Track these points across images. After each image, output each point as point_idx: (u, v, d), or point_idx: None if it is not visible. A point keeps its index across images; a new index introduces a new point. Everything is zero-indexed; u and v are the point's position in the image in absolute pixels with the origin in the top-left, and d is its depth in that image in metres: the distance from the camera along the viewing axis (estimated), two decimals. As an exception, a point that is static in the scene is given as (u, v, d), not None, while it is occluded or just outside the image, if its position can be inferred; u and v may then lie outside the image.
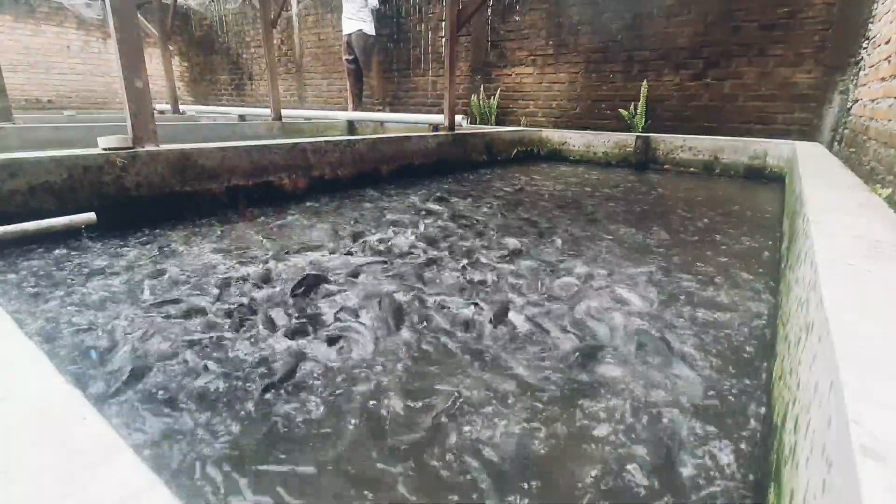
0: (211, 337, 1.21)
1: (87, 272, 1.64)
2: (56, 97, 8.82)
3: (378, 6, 6.01)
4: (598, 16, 5.47)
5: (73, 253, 1.84)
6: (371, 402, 0.96)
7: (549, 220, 2.57)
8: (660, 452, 0.84)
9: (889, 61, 2.67)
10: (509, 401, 0.98)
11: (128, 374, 1.03)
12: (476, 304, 1.42)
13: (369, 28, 5.98)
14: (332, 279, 1.60)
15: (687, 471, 0.80)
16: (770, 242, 2.23)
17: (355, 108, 6.60)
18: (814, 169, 2.55)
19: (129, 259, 1.79)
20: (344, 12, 6.01)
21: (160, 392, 0.98)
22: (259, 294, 1.48)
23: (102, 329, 1.24)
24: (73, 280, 1.57)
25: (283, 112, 5.42)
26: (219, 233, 2.20)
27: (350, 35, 6.00)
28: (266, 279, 1.61)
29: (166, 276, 1.62)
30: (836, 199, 1.72)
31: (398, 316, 1.34)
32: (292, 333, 1.23)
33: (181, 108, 6.86)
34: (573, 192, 3.50)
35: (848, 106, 4.02)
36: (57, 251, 1.84)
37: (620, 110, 5.42)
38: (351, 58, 6.20)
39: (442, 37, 6.76)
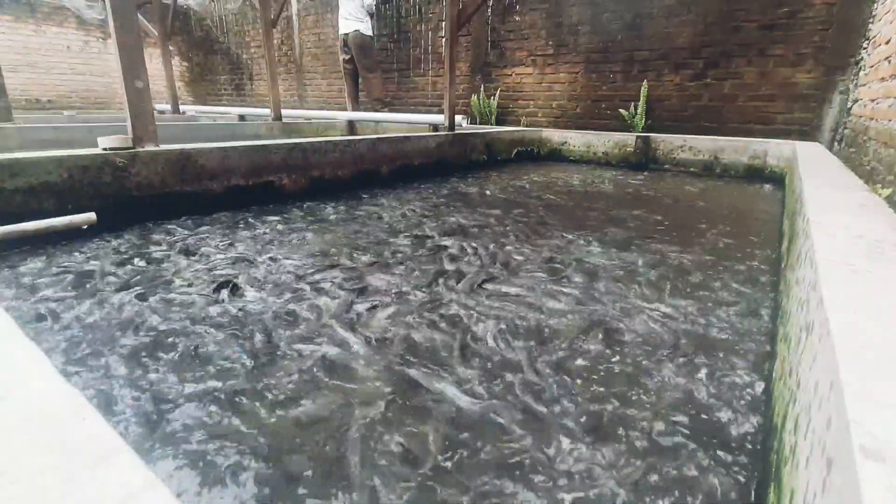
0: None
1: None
2: (56, 97, 8.82)
3: (373, 10, 5.98)
4: (598, 16, 5.47)
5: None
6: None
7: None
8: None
9: (889, 61, 2.67)
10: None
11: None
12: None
13: (366, 28, 5.95)
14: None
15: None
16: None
17: (353, 110, 6.59)
18: (814, 169, 2.55)
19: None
20: (340, 12, 5.98)
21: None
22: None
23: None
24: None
25: (283, 112, 5.42)
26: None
27: (346, 35, 5.98)
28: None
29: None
30: (837, 199, 1.72)
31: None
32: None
33: (181, 108, 6.86)
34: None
35: (848, 106, 4.02)
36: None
37: (620, 110, 5.42)
38: (347, 58, 6.18)
39: (442, 37, 6.76)
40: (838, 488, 0.44)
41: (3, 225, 1.78)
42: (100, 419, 0.48)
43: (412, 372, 1.08)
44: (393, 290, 1.54)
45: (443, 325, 1.32)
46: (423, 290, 1.56)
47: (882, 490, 0.39)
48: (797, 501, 0.56)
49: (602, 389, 1.03)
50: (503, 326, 1.30)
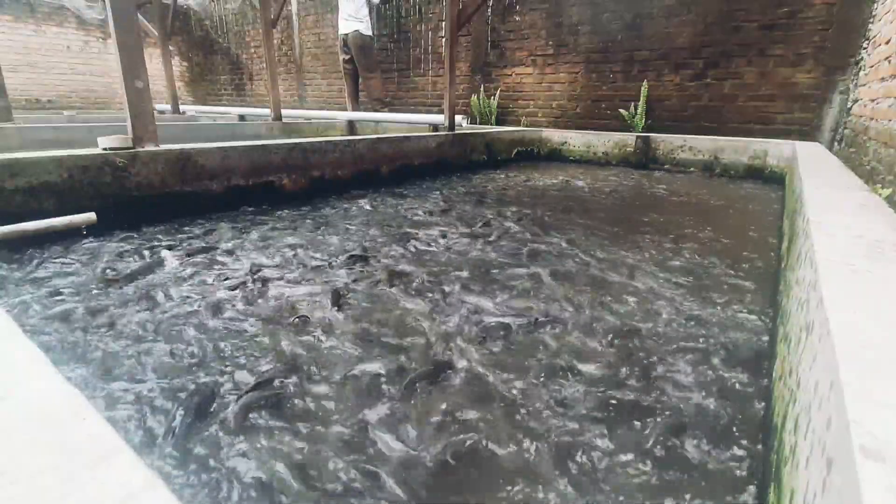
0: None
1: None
2: (56, 97, 8.81)
3: (378, 3, 5.99)
4: (598, 16, 5.47)
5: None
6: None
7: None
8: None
9: (889, 61, 2.67)
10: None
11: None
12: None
13: (366, 28, 5.95)
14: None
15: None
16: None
17: (353, 110, 6.58)
18: (814, 169, 2.54)
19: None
20: (340, 12, 5.98)
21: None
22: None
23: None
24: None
25: (283, 112, 5.42)
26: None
27: (346, 35, 5.97)
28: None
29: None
30: (837, 198, 1.71)
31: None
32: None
33: (181, 108, 6.85)
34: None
35: (848, 106, 4.02)
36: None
37: (620, 110, 5.42)
38: (347, 58, 6.17)
39: (442, 37, 6.76)
40: (838, 488, 0.44)
41: (3, 225, 1.78)
42: (100, 419, 0.48)
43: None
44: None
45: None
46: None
47: (882, 490, 0.39)
48: (797, 501, 0.56)
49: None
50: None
